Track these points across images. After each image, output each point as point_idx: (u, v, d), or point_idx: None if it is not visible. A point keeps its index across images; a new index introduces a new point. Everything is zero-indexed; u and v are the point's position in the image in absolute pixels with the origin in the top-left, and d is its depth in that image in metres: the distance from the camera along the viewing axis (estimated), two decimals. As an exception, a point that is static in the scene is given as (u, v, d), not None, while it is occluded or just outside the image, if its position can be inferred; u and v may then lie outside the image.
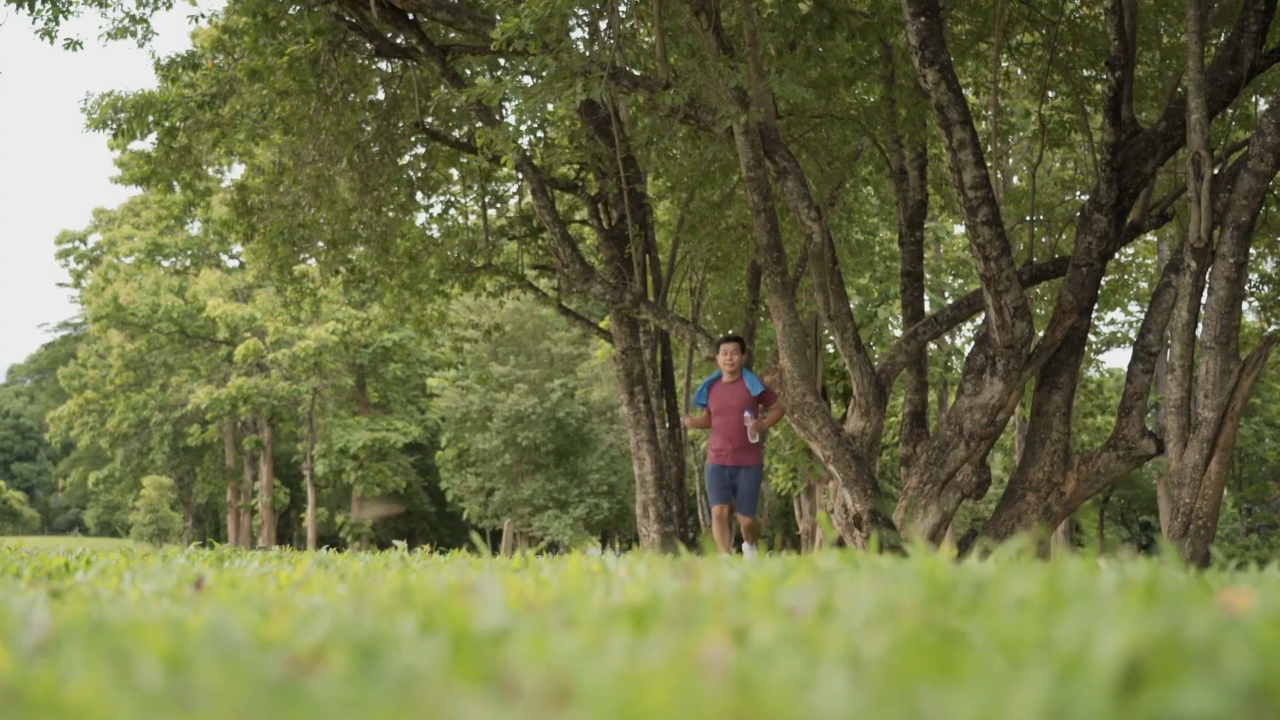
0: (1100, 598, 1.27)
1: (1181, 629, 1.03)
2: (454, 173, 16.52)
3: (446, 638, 1.10)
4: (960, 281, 27.86)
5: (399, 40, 12.60)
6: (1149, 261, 27.79)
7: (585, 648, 1.07)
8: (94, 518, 63.79)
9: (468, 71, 14.27)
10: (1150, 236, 24.52)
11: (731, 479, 8.76)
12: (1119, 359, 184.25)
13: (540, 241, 16.44)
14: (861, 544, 10.26)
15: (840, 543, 10.91)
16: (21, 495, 70.31)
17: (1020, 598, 1.31)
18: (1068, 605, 1.23)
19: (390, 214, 15.03)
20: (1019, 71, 14.91)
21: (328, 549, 4.52)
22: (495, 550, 46.22)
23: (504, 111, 13.68)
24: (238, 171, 28.53)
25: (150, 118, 13.77)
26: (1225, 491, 11.71)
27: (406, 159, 15.39)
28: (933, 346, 25.41)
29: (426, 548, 4.20)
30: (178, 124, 13.87)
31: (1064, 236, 15.80)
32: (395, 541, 4.05)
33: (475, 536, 2.39)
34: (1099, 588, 1.34)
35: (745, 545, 8.94)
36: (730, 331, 17.64)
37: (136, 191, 45.67)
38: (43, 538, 55.20)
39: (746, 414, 8.67)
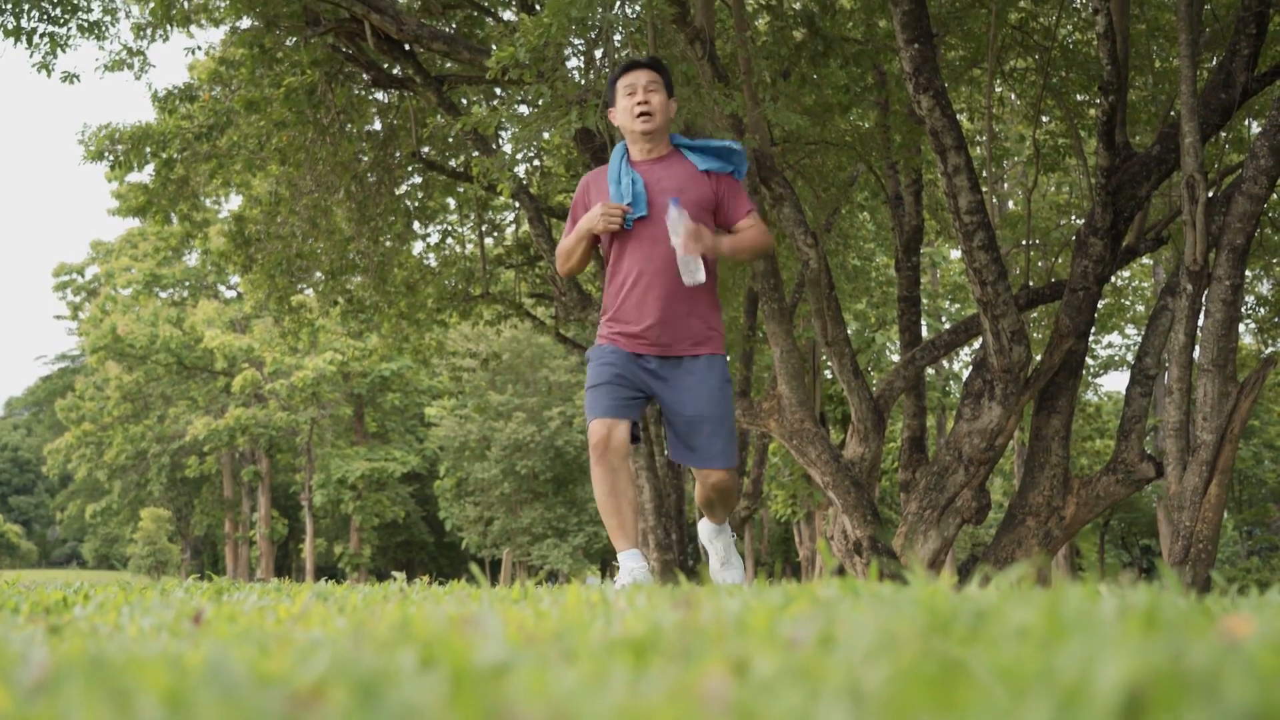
0: (1101, 626, 1.26)
1: (1182, 657, 1.03)
2: (451, 202, 16.57)
3: (446, 673, 1.10)
4: (957, 306, 27.92)
5: (395, 71, 12.66)
6: (1145, 285, 27.85)
7: (585, 681, 1.07)
8: (92, 550, 63.56)
9: (464, 101, 14.32)
10: (1146, 260, 24.58)
11: (656, 379, 4.21)
12: (1117, 382, 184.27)
13: (538, 270, 16.48)
14: (862, 571, 10.23)
15: (840, 570, 10.88)
16: (19, 528, 70.11)
17: (1021, 626, 1.31)
18: (1068, 634, 1.23)
19: (387, 243, 15.06)
20: (1013, 97, 14.98)
21: (326, 580, 4.51)
22: (494, 579, 46.06)
23: (500, 140, 13.74)
24: (235, 202, 28.64)
25: (147, 149, 13.83)
26: (1225, 514, 11.68)
27: (403, 189, 15.44)
28: (931, 371, 25.42)
29: (425, 578, 4.19)
30: (175, 155, 13.92)
31: (1060, 260, 15.84)
32: (394, 572, 4.03)
33: (474, 567, 2.39)
34: (1100, 615, 1.34)
35: (708, 526, 4.60)
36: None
37: (134, 223, 45.74)
38: (40, 571, 55.01)
39: (671, 204, 4.05)
